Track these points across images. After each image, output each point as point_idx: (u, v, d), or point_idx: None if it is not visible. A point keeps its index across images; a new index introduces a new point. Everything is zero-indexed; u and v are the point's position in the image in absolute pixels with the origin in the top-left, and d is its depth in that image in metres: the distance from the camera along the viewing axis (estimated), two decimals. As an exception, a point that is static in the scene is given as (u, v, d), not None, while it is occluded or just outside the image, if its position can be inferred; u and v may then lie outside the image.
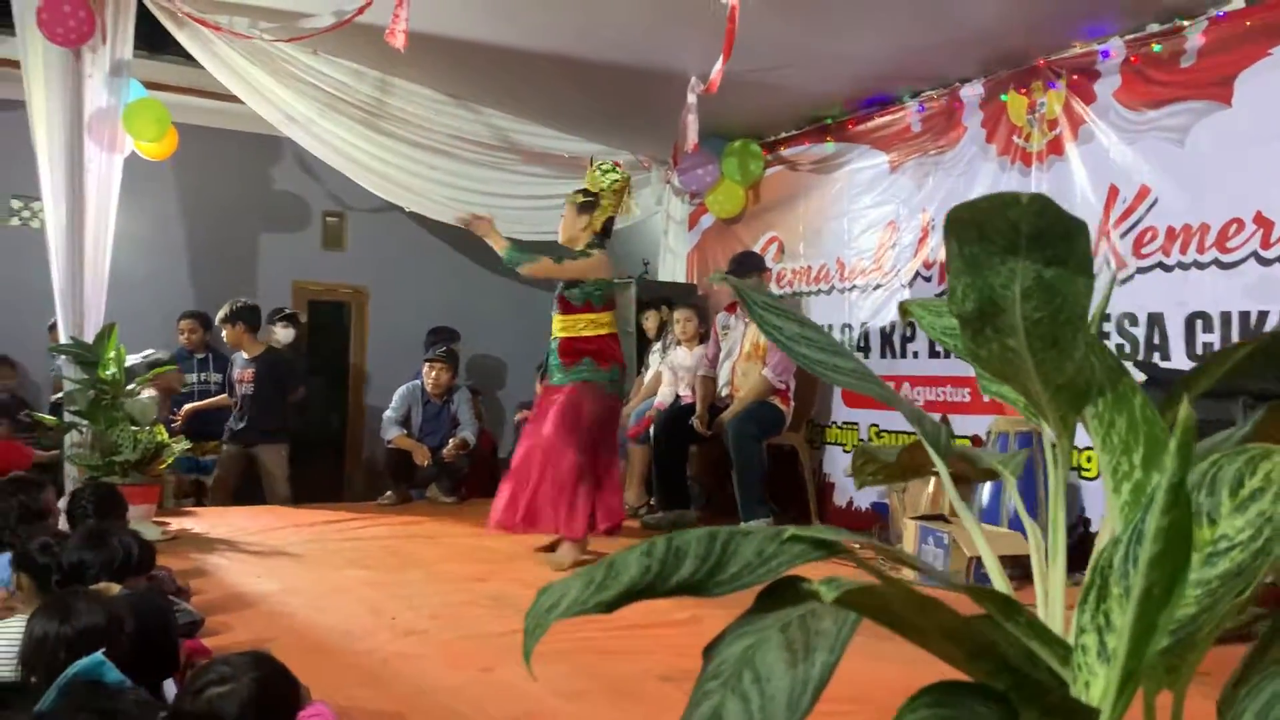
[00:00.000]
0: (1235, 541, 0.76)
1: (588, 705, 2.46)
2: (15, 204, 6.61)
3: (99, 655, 1.82)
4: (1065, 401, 0.86)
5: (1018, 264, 0.80)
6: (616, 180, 4.51)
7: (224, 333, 6.23)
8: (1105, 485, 0.91)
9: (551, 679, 2.56)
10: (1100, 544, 0.85)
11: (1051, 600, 0.92)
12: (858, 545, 0.85)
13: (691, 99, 5.38)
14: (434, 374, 6.29)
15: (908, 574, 2.92)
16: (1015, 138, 4.98)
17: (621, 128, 6.71)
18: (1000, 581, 0.95)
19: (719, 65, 4.50)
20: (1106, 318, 4.46)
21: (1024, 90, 4.91)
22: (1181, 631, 0.75)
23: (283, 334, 6.70)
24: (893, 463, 1.07)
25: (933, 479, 4.67)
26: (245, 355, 6.21)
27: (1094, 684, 0.75)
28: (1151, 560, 0.70)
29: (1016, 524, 4.09)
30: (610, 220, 4.55)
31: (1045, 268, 0.79)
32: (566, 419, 4.29)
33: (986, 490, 4.29)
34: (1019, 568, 3.99)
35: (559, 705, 2.44)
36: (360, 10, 4.73)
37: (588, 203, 4.50)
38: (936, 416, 1.13)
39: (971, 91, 5.18)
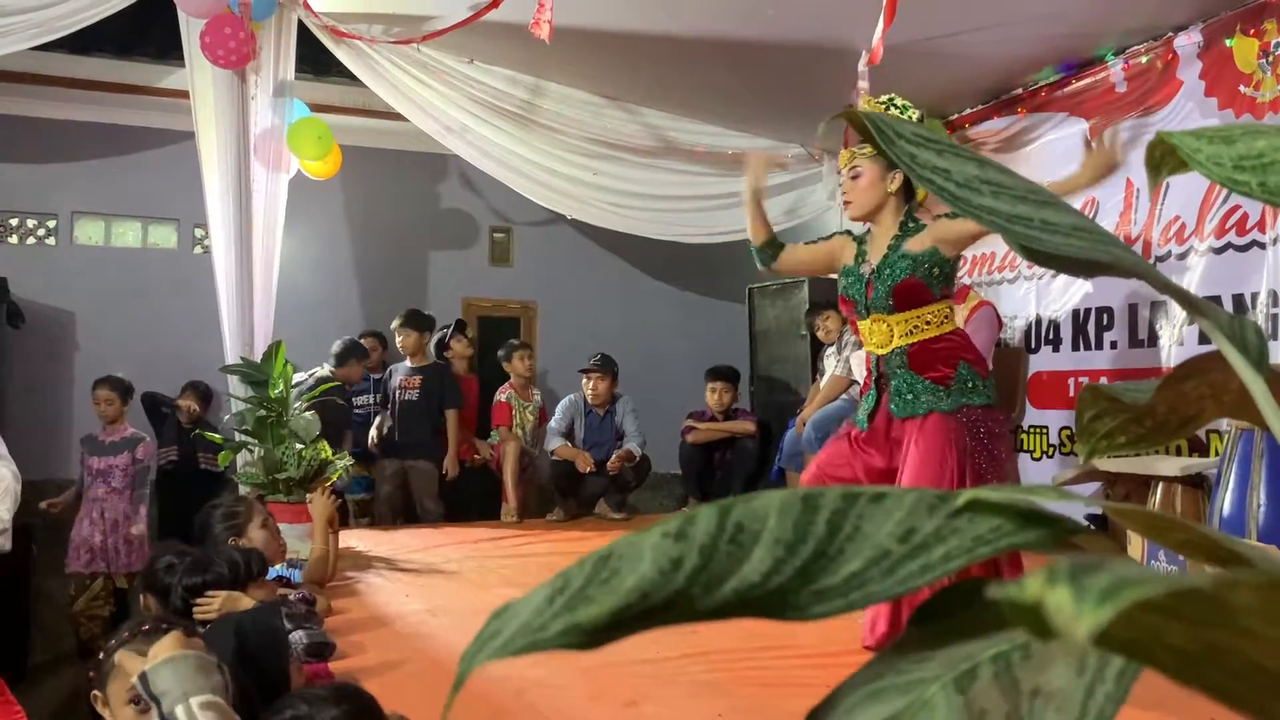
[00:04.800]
0: None
1: (745, 749, 2.07)
2: (198, 233, 6.83)
3: None
4: None
5: None
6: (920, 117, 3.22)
7: (401, 339, 6.11)
8: None
9: (703, 718, 2.19)
10: None
11: None
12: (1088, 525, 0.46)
13: (862, 76, 4.93)
14: (591, 384, 6.04)
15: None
16: (1243, 87, 4.29)
17: (789, 118, 6.30)
18: None
19: (879, 31, 4.05)
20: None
21: (1254, 30, 4.21)
22: None
23: (458, 346, 6.63)
24: (1145, 404, 0.65)
25: (1160, 485, 4.01)
26: (410, 364, 6.10)
27: None
28: None
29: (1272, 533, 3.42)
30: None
31: None
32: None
33: (1229, 494, 3.62)
34: None
35: (711, 748, 2.07)
36: (491, 5, 4.54)
37: None
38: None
39: (1188, 40, 4.51)
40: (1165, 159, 0.65)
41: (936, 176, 0.57)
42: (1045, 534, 0.40)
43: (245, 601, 2.44)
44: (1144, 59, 4.71)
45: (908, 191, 3.08)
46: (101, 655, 1.67)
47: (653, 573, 0.38)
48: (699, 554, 0.39)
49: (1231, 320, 0.54)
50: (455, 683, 0.38)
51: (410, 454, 5.95)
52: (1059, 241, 0.55)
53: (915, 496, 0.41)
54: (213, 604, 2.42)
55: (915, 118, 3.09)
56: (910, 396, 2.90)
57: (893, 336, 2.97)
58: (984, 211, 0.55)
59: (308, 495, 4.29)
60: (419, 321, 6.15)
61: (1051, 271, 5.21)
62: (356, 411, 6.49)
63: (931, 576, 0.38)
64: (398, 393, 6.04)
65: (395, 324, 6.18)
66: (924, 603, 0.44)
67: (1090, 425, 0.75)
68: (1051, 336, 5.18)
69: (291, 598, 2.85)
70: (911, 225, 3.02)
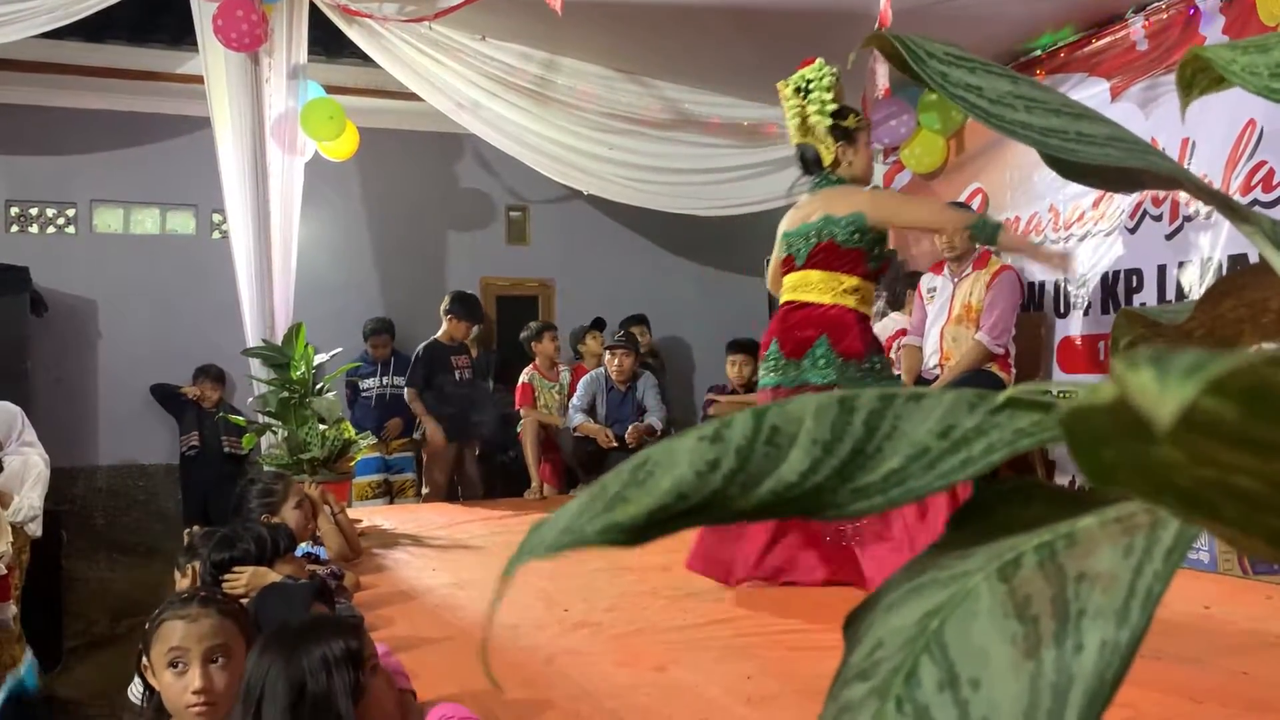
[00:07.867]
0: None
1: (776, 713, 2.07)
2: (216, 218, 6.85)
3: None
4: None
5: None
6: (832, 80, 3.47)
7: (456, 325, 6.14)
8: None
9: (733, 681, 2.20)
10: None
11: None
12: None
13: (878, 40, 4.88)
14: (616, 361, 6.03)
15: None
16: (1269, 42, 4.22)
17: (804, 87, 6.24)
18: None
19: (886, -8, 4.02)
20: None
21: (1278, -18, 4.14)
22: None
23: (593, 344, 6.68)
24: (1181, 327, 0.64)
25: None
26: (452, 344, 6.16)
27: None
28: None
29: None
30: None
31: None
32: None
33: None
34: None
35: (742, 713, 2.06)
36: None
37: (857, 128, 3.53)
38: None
39: (1210, -7, 4.44)
40: (1197, 77, 0.64)
41: (969, 94, 0.56)
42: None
43: (272, 577, 2.46)
44: (1165, 15, 4.64)
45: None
46: (147, 625, 1.70)
47: (689, 474, 0.37)
48: (735, 456, 0.38)
49: (1275, 225, 0.52)
50: (497, 593, 0.38)
51: (466, 435, 6.05)
52: (1094, 152, 0.54)
53: (954, 396, 0.40)
54: (240, 579, 2.44)
55: (832, 78, 3.45)
56: (822, 367, 3.23)
57: (813, 293, 3.40)
58: (1018, 126, 0.54)
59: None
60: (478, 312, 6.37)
61: (1079, 235, 5.17)
62: (363, 395, 6.51)
63: (973, 470, 0.38)
64: (458, 372, 6.06)
65: (452, 309, 6.18)
66: (963, 505, 0.43)
67: (1125, 352, 0.74)
68: (1081, 300, 5.12)
69: (320, 574, 2.88)
70: None
